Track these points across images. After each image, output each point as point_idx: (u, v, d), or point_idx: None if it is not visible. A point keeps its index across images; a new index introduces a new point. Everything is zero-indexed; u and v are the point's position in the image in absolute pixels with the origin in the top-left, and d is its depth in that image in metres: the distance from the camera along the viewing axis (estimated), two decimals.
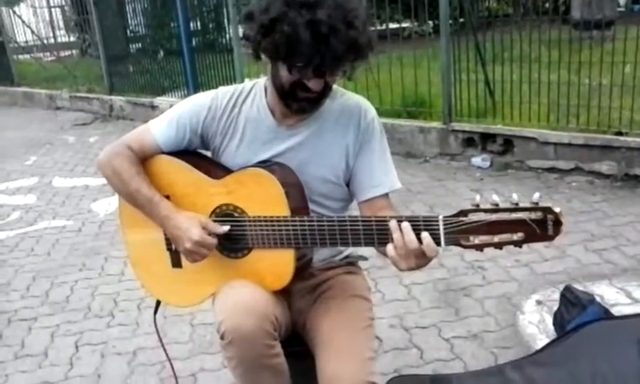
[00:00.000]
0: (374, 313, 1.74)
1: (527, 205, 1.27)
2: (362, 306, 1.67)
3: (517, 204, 1.28)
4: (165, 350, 1.90)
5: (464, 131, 4.87)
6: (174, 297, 1.78)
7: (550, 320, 2.52)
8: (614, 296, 2.73)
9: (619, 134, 4.17)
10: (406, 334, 2.62)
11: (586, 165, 4.27)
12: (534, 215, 1.26)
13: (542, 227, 1.26)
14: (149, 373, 2.51)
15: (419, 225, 1.36)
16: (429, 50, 5.31)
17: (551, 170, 4.43)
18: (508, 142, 4.66)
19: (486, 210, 1.30)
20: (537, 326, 2.58)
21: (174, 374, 1.94)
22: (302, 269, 1.59)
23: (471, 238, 1.31)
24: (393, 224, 1.37)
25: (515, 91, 4.59)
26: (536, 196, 1.28)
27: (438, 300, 2.86)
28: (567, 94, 4.34)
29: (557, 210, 1.26)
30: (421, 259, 1.37)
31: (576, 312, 2.29)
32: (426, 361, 2.42)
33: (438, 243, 1.34)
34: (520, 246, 1.30)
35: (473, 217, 1.30)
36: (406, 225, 1.36)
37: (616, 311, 2.47)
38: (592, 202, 3.88)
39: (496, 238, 1.30)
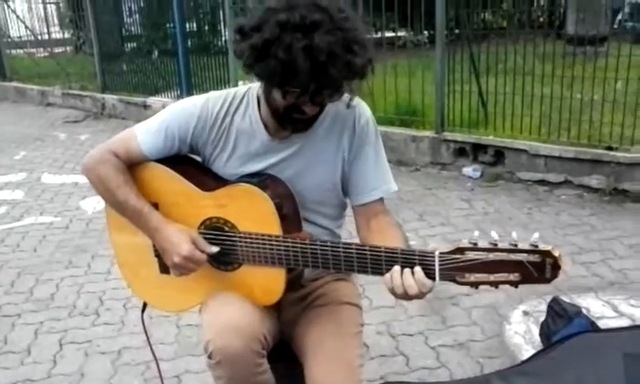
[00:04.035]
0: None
1: (526, 246, 1.24)
2: (351, 312, 1.64)
3: (516, 244, 1.25)
4: (152, 349, 1.88)
5: (456, 141, 4.89)
6: (161, 302, 1.76)
7: (536, 331, 2.52)
8: (599, 309, 2.74)
9: (609, 148, 4.20)
10: (392, 341, 2.61)
11: (576, 178, 4.30)
12: (532, 258, 1.24)
13: (539, 270, 1.24)
14: (133, 373, 2.48)
15: (414, 259, 1.33)
16: (423, 60, 5.33)
17: (541, 182, 4.46)
18: (499, 153, 4.68)
19: (483, 249, 1.27)
20: (523, 336, 2.58)
21: (160, 374, 1.92)
22: (293, 281, 1.57)
23: (467, 275, 1.29)
24: (396, 269, 1.35)
25: (508, 103, 4.62)
26: (535, 236, 1.25)
27: (425, 308, 2.86)
28: (559, 107, 4.38)
29: (556, 253, 1.23)
30: (416, 296, 1.35)
31: (562, 324, 2.30)
32: (412, 368, 2.42)
33: (433, 278, 1.32)
34: (516, 287, 1.28)
35: (469, 254, 1.28)
36: (407, 271, 1.34)
37: (602, 324, 2.48)
38: (581, 215, 3.90)
39: (492, 277, 1.28)
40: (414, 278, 1.33)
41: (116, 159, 1.58)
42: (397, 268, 1.35)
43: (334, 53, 1.29)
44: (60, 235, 4.05)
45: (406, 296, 1.35)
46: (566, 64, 4.42)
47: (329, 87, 1.34)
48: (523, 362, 2.24)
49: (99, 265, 3.52)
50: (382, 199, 1.61)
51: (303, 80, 1.30)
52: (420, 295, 1.34)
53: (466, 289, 2.96)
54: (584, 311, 2.44)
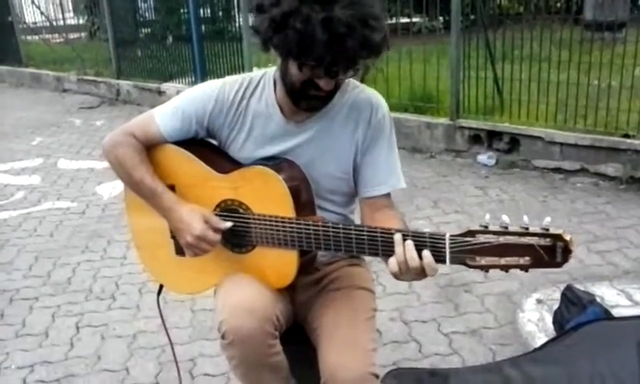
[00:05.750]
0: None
1: (537, 229, 1.23)
2: (365, 297, 1.66)
3: (527, 228, 1.24)
4: (167, 332, 1.91)
5: (471, 128, 4.86)
6: (176, 283, 1.78)
7: (549, 319, 2.52)
8: (614, 298, 2.72)
9: (626, 136, 4.16)
10: (405, 328, 2.62)
11: (592, 166, 4.26)
12: (543, 241, 1.22)
13: (550, 254, 1.23)
14: (148, 356, 2.52)
15: (425, 241, 1.33)
16: (438, 46, 5.29)
17: (557, 170, 4.42)
18: (514, 141, 4.65)
19: (494, 232, 1.26)
20: (536, 324, 2.58)
21: (175, 357, 1.94)
22: (307, 264, 1.58)
23: (477, 258, 1.28)
24: (397, 237, 1.35)
25: (524, 90, 4.57)
26: (547, 220, 1.23)
27: (439, 295, 2.86)
28: (576, 94, 4.33)
29: (567, 237, 1.22)
30: (419, 275, 1.35)
31: (576, 311, 2.30)
32: (425, 355, 2.43)
33: (443, 261, 1.32)
34: (526, 270, 1.27)
35: (480, 237, 1.27)
36: (409, 242, 1.34)
37: (616, 313, 2.47)
38: (596, 203, 3.87)
39: (502, 261, 1.27)
40: (420, 257, 1.32)
41: (134, 140, 1.61)
42: (398, 236, 1.34)
43: (352, 26, 1.31)
44: (76, 220, 4.10)
45: (407, 269, 1.34)
46: (583, 50, 4.36)
47: (344, 60, 1.36)
48: (536, 350, 2.24)
49: (115, 250, 3.56)
50: (388, 194, 1.62)
51: (319, 51, 1.32)
52: (421, 273, 1.33)
53: (479, 276, 2.99)
54: (598, 300, 2.43)
